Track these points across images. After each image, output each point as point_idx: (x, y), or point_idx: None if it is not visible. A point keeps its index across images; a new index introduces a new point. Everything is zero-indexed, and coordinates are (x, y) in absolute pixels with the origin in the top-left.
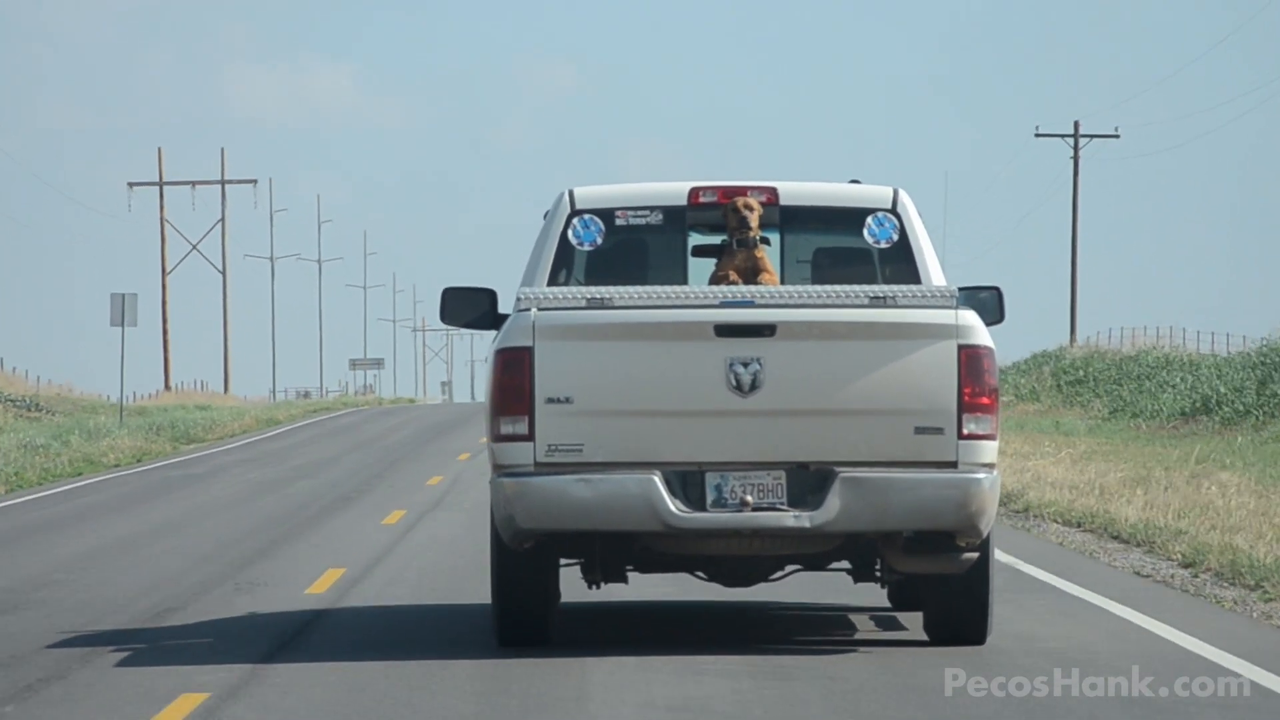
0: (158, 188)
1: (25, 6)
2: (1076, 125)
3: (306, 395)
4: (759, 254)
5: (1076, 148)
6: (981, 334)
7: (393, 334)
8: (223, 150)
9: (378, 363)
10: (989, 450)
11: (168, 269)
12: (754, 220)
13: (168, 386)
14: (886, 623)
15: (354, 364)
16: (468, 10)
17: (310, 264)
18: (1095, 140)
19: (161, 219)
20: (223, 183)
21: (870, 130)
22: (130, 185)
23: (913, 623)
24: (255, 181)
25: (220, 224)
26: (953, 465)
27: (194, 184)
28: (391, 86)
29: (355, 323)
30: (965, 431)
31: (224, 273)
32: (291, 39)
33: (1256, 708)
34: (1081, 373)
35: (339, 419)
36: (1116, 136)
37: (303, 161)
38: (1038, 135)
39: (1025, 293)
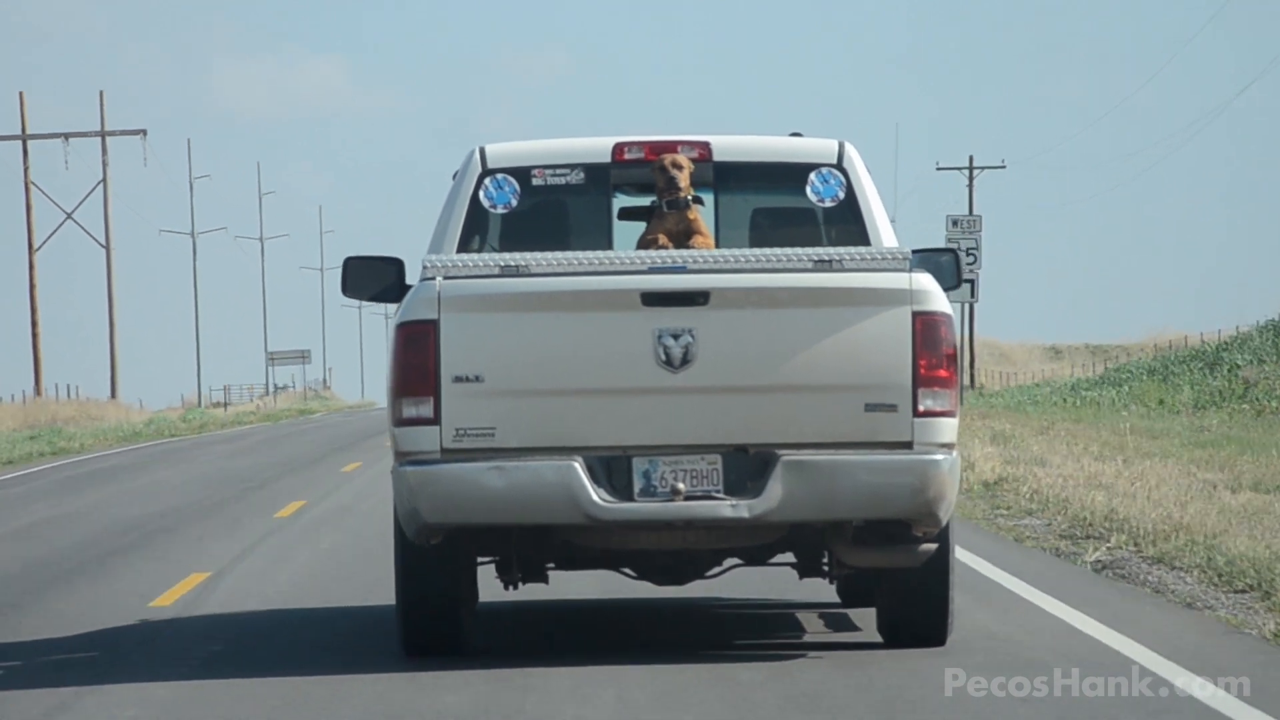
0: (20, 142)
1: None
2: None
3: (223, 405)
4: (692, 215)
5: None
6: (939, 299)
7: (359, 321)
8: (101, 94)
9: (301, 355)
10: (948, 428)
11: (35, 244)
12: (684, 179)
13: (38, 391)
14: (838, 621)
15: (273, 357)
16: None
17: (250, 243)
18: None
19: (26, 181)
20: (103, 134)
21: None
22: None
23: (866, 621)
24: (144, 132)
25: (101, 185)
26: (908, 446)
27: (66, 136)
28: (379, 77)
29: (311, 313)
30: (921, 408)
31: (107, 248)
32: (277, 31)
33: (1258, 708)
34: None
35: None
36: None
37: (289, 153)
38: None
39: None
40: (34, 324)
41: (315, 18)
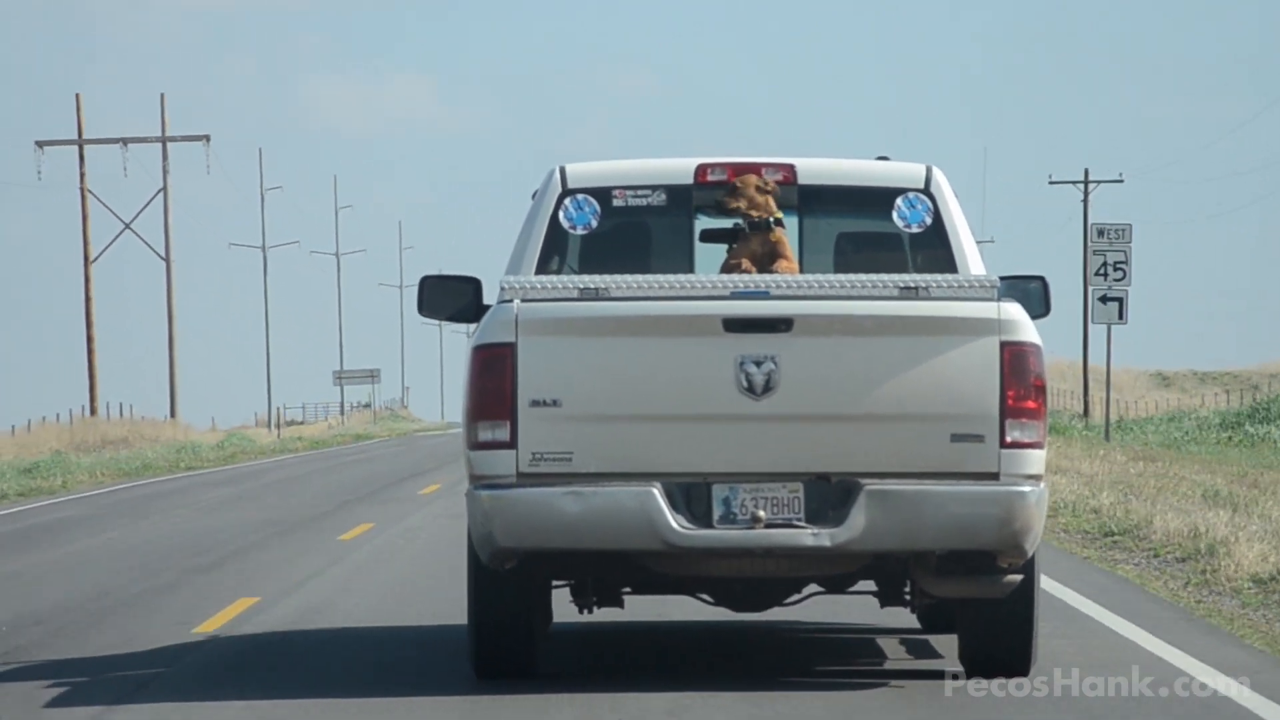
0: (76, 147)
1: (105, 12)
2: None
3: (291, 422)
4: (776, 238)
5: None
6: (1027, 329)
7: (439, 339)
8: (162, 96)
9: (370, 375)
10: (1035, 460)
11: (91, 256)
12: (767, 201)
13: (93, 409)
14: (919, 648)
15: (341, 376)
16: (546, 16)
17: (324, 259)
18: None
19: (82, 189)
20: (163, 139)
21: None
22: (40, 145)
23: (947, 647)
24: (207, 138)
25: (161, 194)
26: (994, 477)
27: (125, 141)
28: (463, 95)
29: (387, 330)
30: (1008, 439)
31: (167, 260)
32: (367, 48)
33: (1258, 708)
34: None
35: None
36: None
37: (370, 168)
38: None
39: None
40: (89, 339)
41: (404, 35)
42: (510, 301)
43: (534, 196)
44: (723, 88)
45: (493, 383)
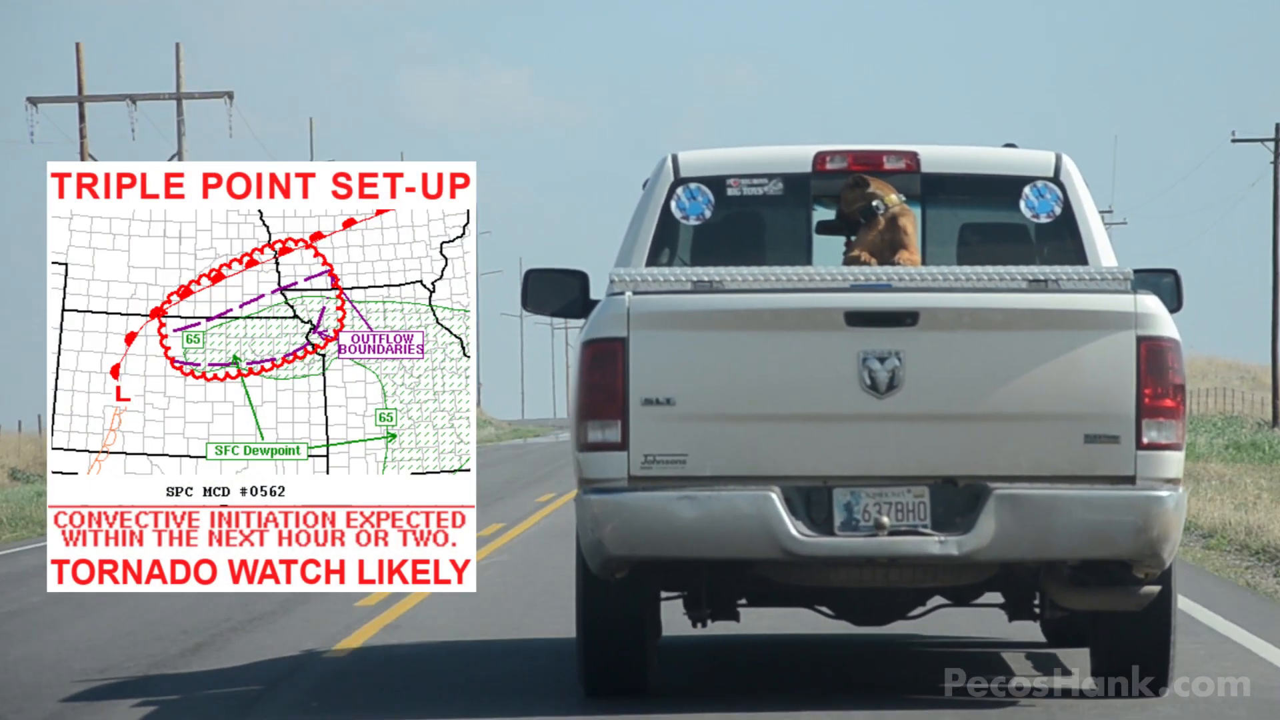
0: (76, 105)
1: (203, 11)
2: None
3: None
4: (903, 224)
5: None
6: (1165, 323)
7: (519, 330)
8: (178, 46)
9: None
10: (1174, 463)
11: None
12: (886, 191)
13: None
14: (1046, 663)
15: None
16: (649, 11)
17: None
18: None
19: (83, 149)
20: (179, 96)
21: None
22: (33, 102)
23: (1074, 660)
24: (230, 95)
25: (176, 158)
26: (1130, 481)
27: (132, 98)
28: (564, 89)
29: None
30: (1145, 440)
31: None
32: (467, 42)
33: (1257, 707)
34: None
35: None
36: None
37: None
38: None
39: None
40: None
41: (504, 29)
42: (621, 294)
43: (644, 186)
44: (826, 80)
45: (603, 379)
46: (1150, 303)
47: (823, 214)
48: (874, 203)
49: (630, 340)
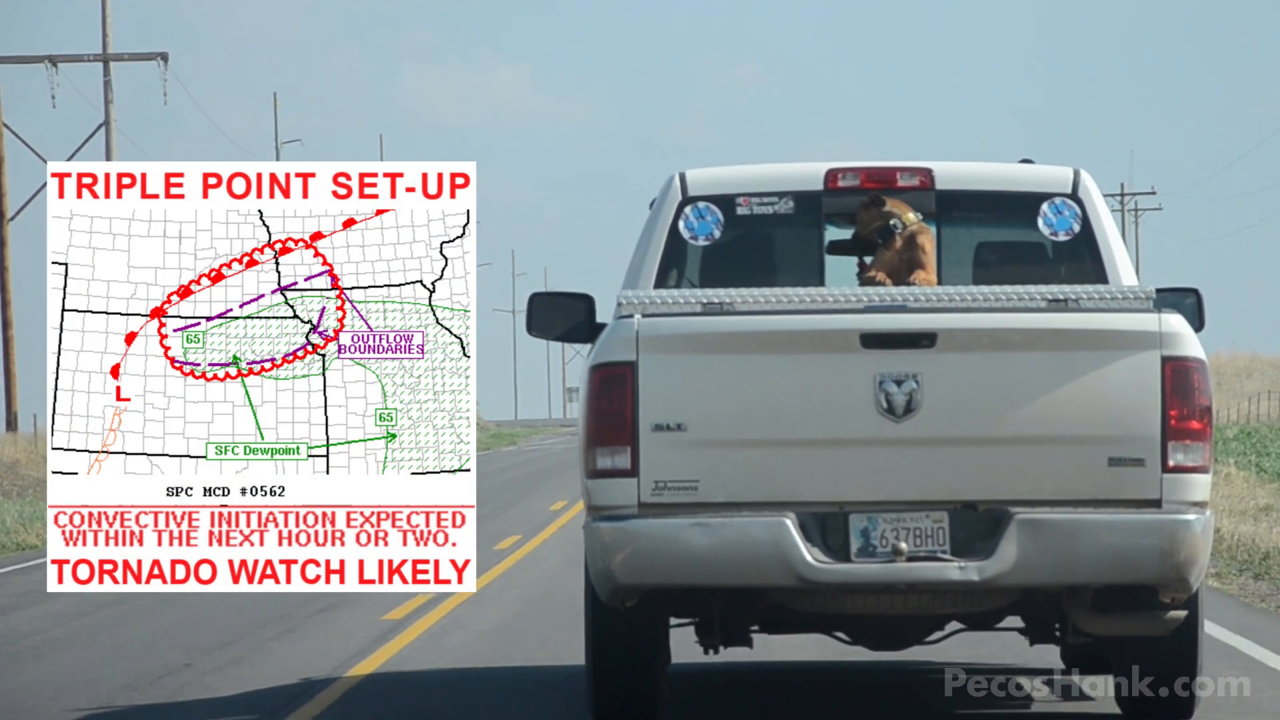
0: None
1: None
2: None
3: None
4: (921, 242)
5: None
6: (1191, 343)
7: (511, 326)
8: (103, 4)
9: None
10: (1201, 485)
11: (8, 212)
12: (903, 210)
13: (10, 425)
14: (1065, 688)
15: None
16: (652, 7)
17: None
18: None
19: None
20: (106, 58)
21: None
22: None
23: (1094, 685)
24: (163, 56)
25: (103, 129)
26: (1156, 504)
27: (51, 59)
28: (563, 86)
29: None
30: (1171, 463)
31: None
32: (467, 38)
33: (1257, 707)
34: None
35: None
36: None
37: (475, 160)
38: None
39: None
40: (5, 324)
41: (505, 25)
42: (630, 317)
43: (652, 205)
44: (830, 78)
45: (612, 405)
46: (1175, 322)
47: (835, 233)
48: (891, 221)
49: (639, 364)
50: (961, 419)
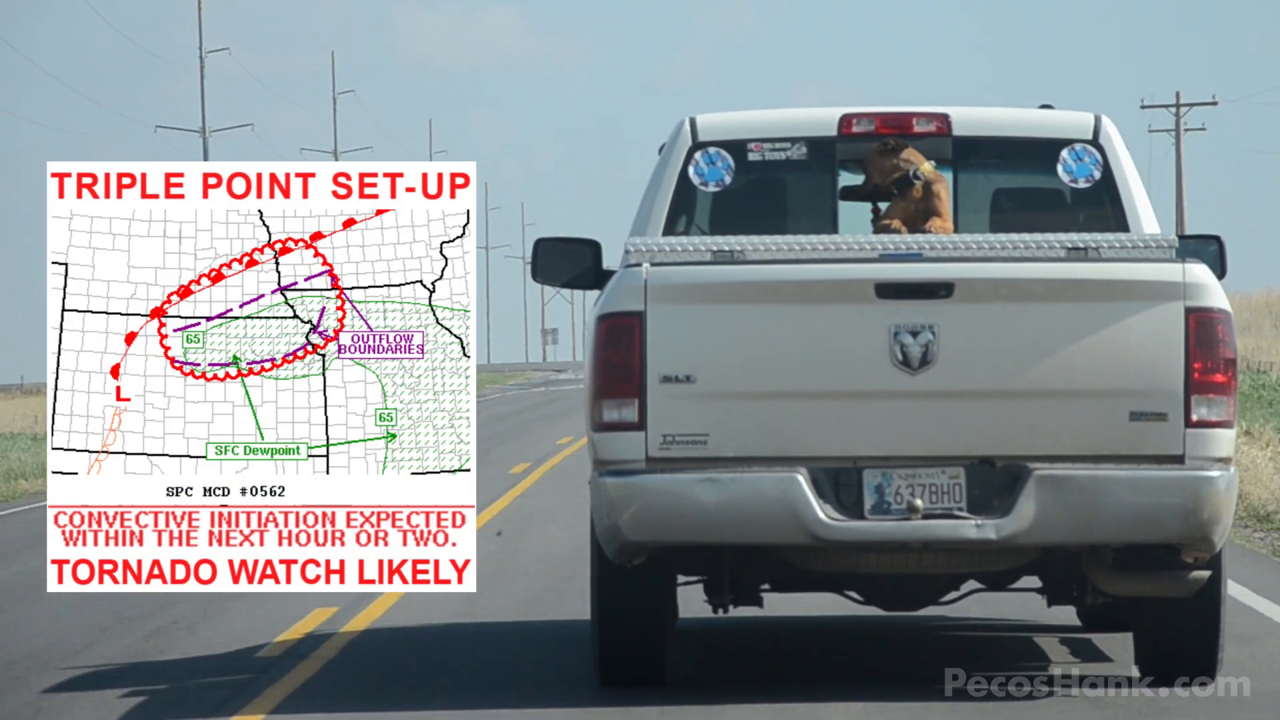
0: None
1: None
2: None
3: None
4: (937, 191)
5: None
6: (1216, 294)
7: (485, 264)
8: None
9: None
10: (1224, 441)
11: None
12: (919, 160)
13: None
14: (1083, 649)
15: None
16: None
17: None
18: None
19: None
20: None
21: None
22: None
23: (1113, 646)
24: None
25: None
26: (1178, 460)
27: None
28: (560, 27)
29: None
30: (1194, 417)
31: None
32: None
33: (1256, 708)
34: None
35: None
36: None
37: (467, 103)
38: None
39: None
40: None
41: None
42: (638, 265)
43: (661, 151)
44: (825, 19)
45: (619, 356)
46: (1199, 271)
47: (848, 179)
48: (911, 171)
49: (648, 314)
50: (979, 371)
